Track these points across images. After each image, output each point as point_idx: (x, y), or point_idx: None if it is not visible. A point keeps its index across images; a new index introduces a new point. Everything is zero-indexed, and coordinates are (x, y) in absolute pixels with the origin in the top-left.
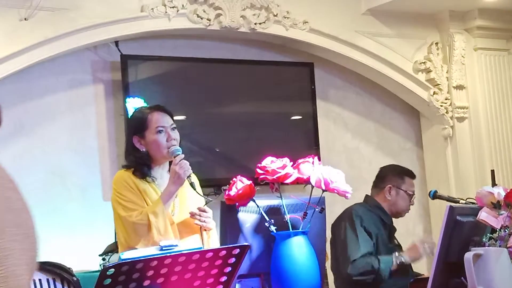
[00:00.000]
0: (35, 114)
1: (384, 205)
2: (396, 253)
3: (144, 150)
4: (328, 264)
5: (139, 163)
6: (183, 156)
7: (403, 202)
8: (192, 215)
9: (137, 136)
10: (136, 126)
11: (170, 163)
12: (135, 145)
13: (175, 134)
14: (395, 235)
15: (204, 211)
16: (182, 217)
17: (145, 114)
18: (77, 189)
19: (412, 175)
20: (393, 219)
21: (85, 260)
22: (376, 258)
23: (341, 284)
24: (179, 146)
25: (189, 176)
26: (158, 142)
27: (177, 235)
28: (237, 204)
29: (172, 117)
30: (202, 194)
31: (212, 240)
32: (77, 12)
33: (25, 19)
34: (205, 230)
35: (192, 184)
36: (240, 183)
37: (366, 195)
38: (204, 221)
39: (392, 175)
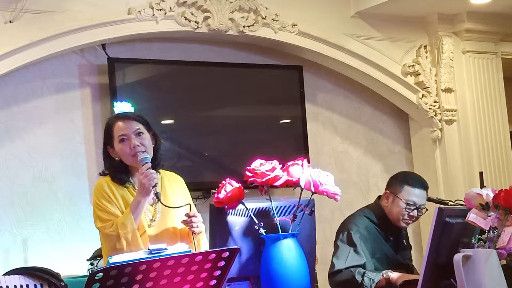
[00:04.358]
0: (21, 118)
1: (385, 211)
2: (388, 271)
3: (117, 159)
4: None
5: (116, 171)
6: (149, 165)
7: (396, 210)
8: (185, 223)
9: (108, 146)
10: (105, 136)
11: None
12: (110, 154)
13: (140, 139)
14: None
15: (193, 216)
16: (165, 225)
17: (110, 124)
18: (64, 194)
19: (414, 185)
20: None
21: (73, 265)
22: (362, 271)
23: None
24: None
25: (154, 186)
26: (122, 151)
27: (148, 244)
28: (226, 207)
29: (140, 121)
30: (169, 205)
31: (203, 243)
32: (63, 15)
33: (10, 21)
34: (193, 233)
35: (157, 195)
36: (229, 186)
37: (378, 197)
38: (197, 226)
39: (394, 181)
